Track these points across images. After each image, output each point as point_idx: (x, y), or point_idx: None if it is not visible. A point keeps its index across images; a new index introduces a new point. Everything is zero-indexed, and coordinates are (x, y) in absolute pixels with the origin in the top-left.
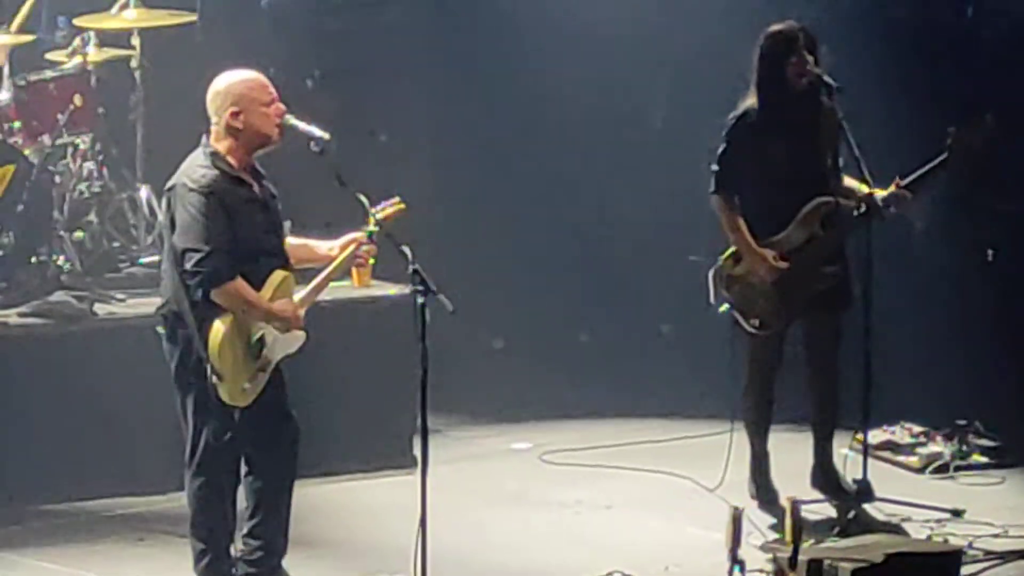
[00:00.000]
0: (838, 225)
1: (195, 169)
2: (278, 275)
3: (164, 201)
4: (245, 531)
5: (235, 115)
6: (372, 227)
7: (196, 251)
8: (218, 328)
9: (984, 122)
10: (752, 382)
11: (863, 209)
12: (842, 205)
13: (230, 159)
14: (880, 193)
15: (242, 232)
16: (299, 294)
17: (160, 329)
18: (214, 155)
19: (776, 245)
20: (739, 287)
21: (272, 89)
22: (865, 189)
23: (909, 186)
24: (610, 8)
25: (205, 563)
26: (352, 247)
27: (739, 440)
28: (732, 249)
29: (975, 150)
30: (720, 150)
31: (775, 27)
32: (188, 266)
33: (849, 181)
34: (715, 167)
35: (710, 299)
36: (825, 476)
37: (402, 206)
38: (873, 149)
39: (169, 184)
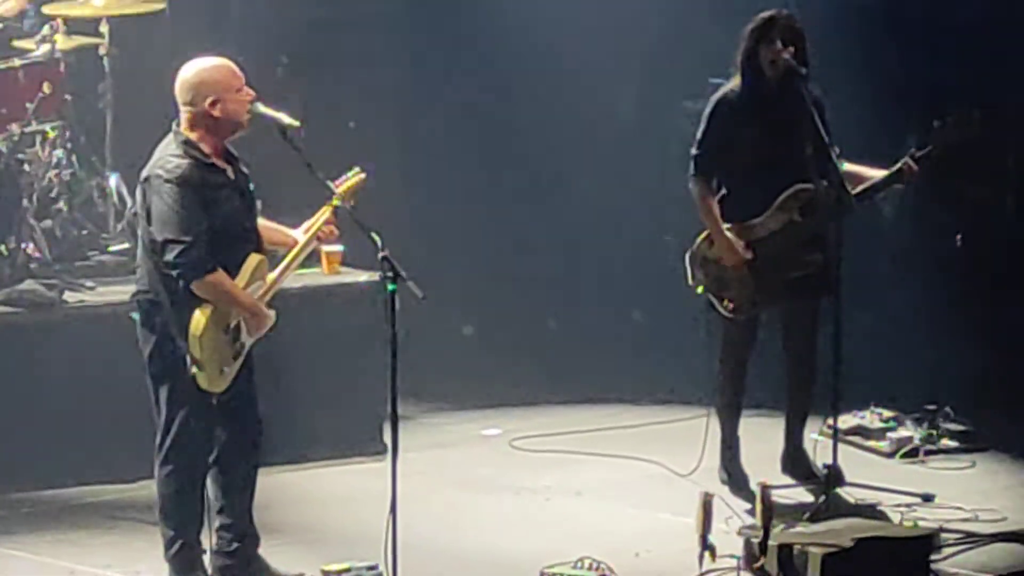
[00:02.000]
0: (816, 212)
1: (168, 159)
2: (253, 259)
3: (139, 192)
4: (218, 524)
5: (213, 104)
6: (335, 201)
7: (176, 243)
8: (198, 318)
9: (971, 118)
10: (725, 366)
11: (841, 199)
12: (822, 192)
13: (203, 146)
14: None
15: (219, 218)
16: (269, 276)
17: (134, 315)
18: (186, 143)
19: (753, 229)
20: (714, 269)
21: (240, 74)
22: (879, 173)
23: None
24: None
25: (175, 550)
26: (317, 226)
27: (715, 425)
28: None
29: (959, 145)
30: (700, 133)
31: (761, 14)
32: (169, 258)
33: (853, 167)
34: (694, 151)
35: (688, 280)
36: (795, 462)
37: (362, 176)
38: (844, 135)
39: (144, 175)
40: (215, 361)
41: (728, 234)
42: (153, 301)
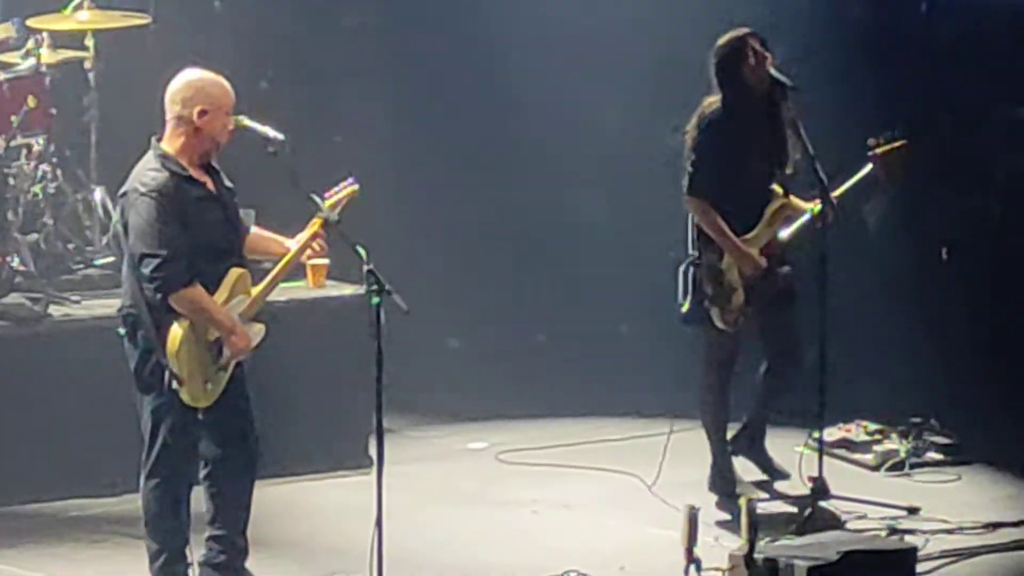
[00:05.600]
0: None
1: (145, 173)
2: (234, 273)
3: (118, 207)
4: (207, 535)
5: (202, 113)
6: (326, 213)
7: (153, 256)
8: (176, 331)
9: (899, 144)
10: (711, 380)
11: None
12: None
13: (180, 159)
14: (806, 207)
15: (197, 231)
16: (253, 289)
17: (120, 331)
18: (163, 157)
19: (750, 243)
20: (721, 282)
21: (233, 97)
22: (805, 205)
23: (837, 200)
24: (569, 11)
25: (160, 563)
26: (305, 240)
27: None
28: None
29: (895, 169)
30: (693, 152)
31: (723, 38)
32: (146, 271)
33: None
34: (689, 168)
35: (680, 297)
36: (752, 446)
37: (354, 188)
38: (828, 148)
39: (122, 190)
40: (197, 376)
41: (743, 245)
42: (137, 316)
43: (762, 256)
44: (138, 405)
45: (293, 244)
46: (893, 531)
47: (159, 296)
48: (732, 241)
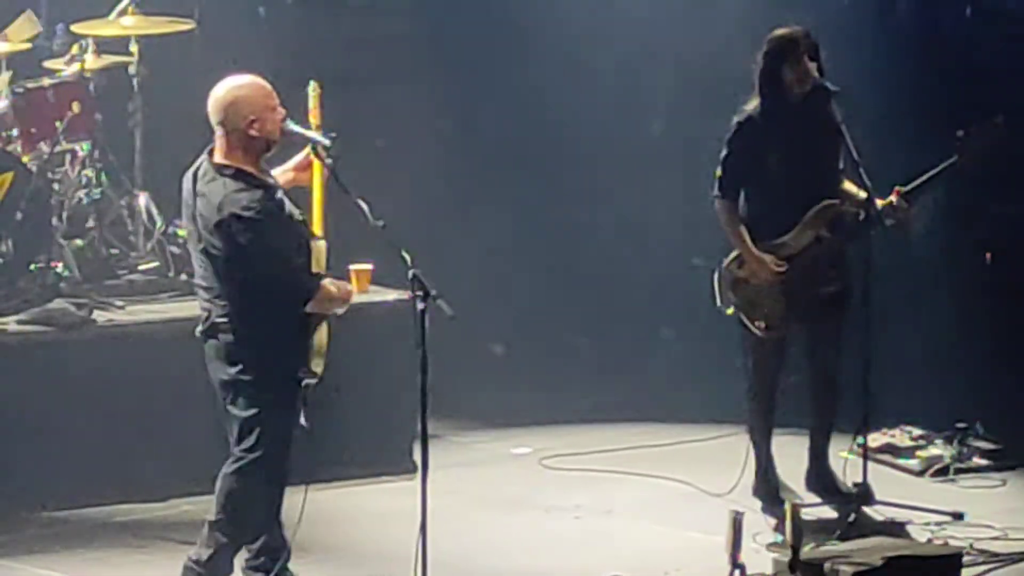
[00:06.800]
0: (844, 228)
1: (232, 197)
2: (320, 248)
3: (214, 237)
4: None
5: (252, 123)
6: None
7: (288, 274)
8: (322, 336)
9: (995, 124)
10: (756, 386)
11: (863, 216)
12: (846, 209)
13: (249, 169)
14: (878, 203)
15: (291, 230)
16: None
17: (211, 342)
18: (239, 173)
19: (783, 247)
20: (745, 289)
21: (273, 92)
22: (864, 195)
23: (911, 193)
24: (609, 13)
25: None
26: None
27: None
28: (737, 252)
29: (984, 153)
30: (723, 155)
31: (778, 32)
32: (287, 291)
33: (848, 185)
34: (718, 171)
35: (716, 302)
36: (821, 479)
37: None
38: (874, 153)
39: (214, 220)
40: (322, 356)
41: (757, 251)
42: (237, 331)
43: (794, 260)
44: (229, 406)
45: (289, 165)
46: (975, 550)
47: (303, 307)
48: (747, 247)
